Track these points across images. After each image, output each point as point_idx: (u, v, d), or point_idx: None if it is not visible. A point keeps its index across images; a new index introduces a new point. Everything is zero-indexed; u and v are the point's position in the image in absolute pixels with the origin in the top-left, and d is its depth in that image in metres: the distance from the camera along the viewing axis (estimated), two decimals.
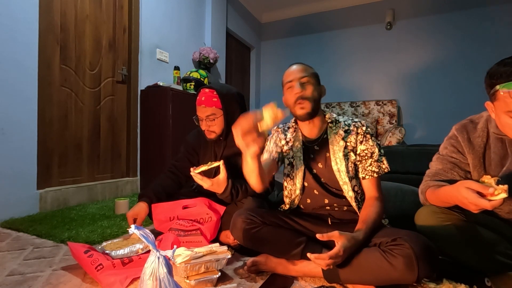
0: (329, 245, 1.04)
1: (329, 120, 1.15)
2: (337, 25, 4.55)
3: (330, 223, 1.12)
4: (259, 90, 5.15)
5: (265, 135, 0.82)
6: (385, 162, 1.10)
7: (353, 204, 1.08)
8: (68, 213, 1.86)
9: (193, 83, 2.93)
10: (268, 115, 0.80)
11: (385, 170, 1.09)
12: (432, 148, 2.29)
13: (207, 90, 1.40)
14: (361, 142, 1.10)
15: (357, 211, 1.08)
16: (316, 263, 0.88)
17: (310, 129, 1.15)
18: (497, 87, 0.84)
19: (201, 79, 2.95)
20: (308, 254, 0.87)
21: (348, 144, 1.10)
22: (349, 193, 1.08)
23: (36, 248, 1.30)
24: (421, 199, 1.04)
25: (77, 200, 2.14)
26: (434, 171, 1.04)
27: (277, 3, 4.67)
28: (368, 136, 1.10)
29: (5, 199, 1.73)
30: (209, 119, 1.38)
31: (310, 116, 1.09)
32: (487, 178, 0.79)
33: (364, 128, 1.11)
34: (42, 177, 1.94)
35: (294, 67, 1.12)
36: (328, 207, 1.13)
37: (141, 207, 1.38)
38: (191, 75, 2.96)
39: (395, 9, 4.17)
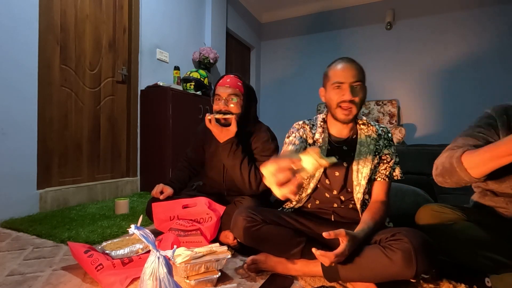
0: (329, 244, 1.04)
1: (360, 122, 1.14)
2: (337, 25, 4.55)
3: (332, 220, 1.12)
4: (259, 90, 5.14)
5: (304, 183, 0.67)
6: (397, 170, 1.13)
7: (358, 206, 1.09)
8: (68, 213, 1.86)
9: (193, 83, 2.93)
10: (311, 164, 0.64)
11: (395, 178, 1.13)
12: (432, 148, 2.29)
13: (232, 75, 1.45)
14: (385, 147, 1.12)
15: (360, 213, 1.08)
16: (320, 260, 0.88)
17: (341, 129, 1.13)
18: None
19: (201, 79, 2.95)
20: (314, 250, 0.87)
21: (377, 147, 1.11)
22: (357, 195, 1.08)
23: (36, 248, 1.30)
24: (445, 165, 0.87)
25: (77, 200, 2.13)
26: (461, 145, 0.90)
27: (277, 3, 4.67)
28: (391, 142, 1.14)
29: (5, 199, 1.73)
30: (230, 98, 1.39)
31: (351, 121, 1.09)
32: None
33: (390, 134, 1.15)
34: (42, 177, 1.94)
35: (347, 65, 1.06)
36: (335, 205, 1.13)
37: (164, 186, 1.50)
38: (191, 75, 2.96)
39: (395, 9, 4.16)
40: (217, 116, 1.36)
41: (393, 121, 4.00)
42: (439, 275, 1.00)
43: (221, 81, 1.43)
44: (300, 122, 1.20)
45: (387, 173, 1.10)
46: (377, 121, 4.07)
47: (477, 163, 0.80)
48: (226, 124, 1.39)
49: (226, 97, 1.39)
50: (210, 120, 1.35)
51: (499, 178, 0.98)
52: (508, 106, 0.90)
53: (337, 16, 4.55)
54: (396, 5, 4.17)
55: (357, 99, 1.04)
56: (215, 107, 1.42)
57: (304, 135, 1.16)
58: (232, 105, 1.39)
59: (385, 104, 4.07)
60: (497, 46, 3.63)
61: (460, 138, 0.93)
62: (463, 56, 3.81)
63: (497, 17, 3.65)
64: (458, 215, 0.94)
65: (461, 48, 3.82)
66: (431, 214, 0.97)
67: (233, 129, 1.35)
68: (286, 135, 1.20)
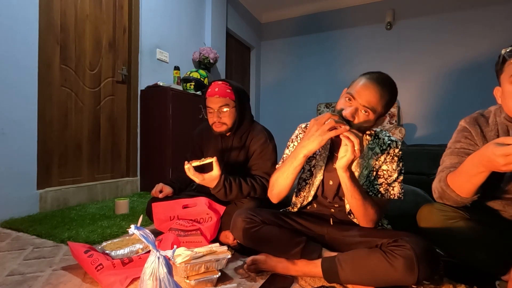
0: (329, 244, 1.05)
1: (368, 132, 1.07)
2: (337, 25, 4.55)
3: (331, 223, 1.12)
4: (259, 90, 5.14)
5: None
6: (396, 189, 1.03)
7: (350, 216, 1.09)
8: (68, 213, 1.86)
9: (193, 83, 2.93)
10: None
11: (392, 197, 1.03)
12: (432, 148, 2.29)
13: (219, 82, 1.40)
14: (386, 163, 1.05)
15: (352, 220, 1.08)
16: None
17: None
18: (502, 51, 0.86)
19: (201, 79, 2.95)
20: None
21: (376, 163, 1.05)
22: (347, 205, 1.08)
23: (36, 248, 1.30)
24: (439, 189, 0.93)
25: (77, 200, 2.13)
26: (449, 165, 0.96)
27: (277, 3, 4.67)
28: (395, 159, 1.05)
29: (5, 199, 1.73)
30: (222, 109, 1.37)
31: None
32: None
33: (396, 150, 1.05)
34: (42, 177, 1.94)
35: (371, 84, 0.94)
36: (332, 210, 1.13)
37: (164, 185, 1.48)
38: (191, 75, 2.96)
39: (395, 9, 4.16)
40: (194, 164, 1.22)
41: (393, 121, 4.00)
42: (441, 275, 1.00)
43: (209, 90, 1.39)
44: (303, 125, 1.19)
45: (381, 189, 1.03)
46: None
47: (460, 184, 0.86)
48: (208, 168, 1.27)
49: (218, 109, 1.37)
50: (189, 169, 1.21)
51: (491, 187, 0.97)
52: (478, 116, 0.98)
53: (337, 16, 4.54)
54: (396, 5, 4.16)
55: (355, 122, 0.94)
56: (209, 120, 1.42)
57: None
58: (224, 117, 1.37)
59: None
60: (497, 46, 3.59)
61: (446, 158, 0.99)
62: (463, 56, 3.81)
63: (497, 17, 3.65)
64: (461, 213, 0.93)
65: (461, 48, 3.82)
66: (433, 213, 0.96)
67: (215, 173, 1.23)
68: (290, 138, 1.20)
